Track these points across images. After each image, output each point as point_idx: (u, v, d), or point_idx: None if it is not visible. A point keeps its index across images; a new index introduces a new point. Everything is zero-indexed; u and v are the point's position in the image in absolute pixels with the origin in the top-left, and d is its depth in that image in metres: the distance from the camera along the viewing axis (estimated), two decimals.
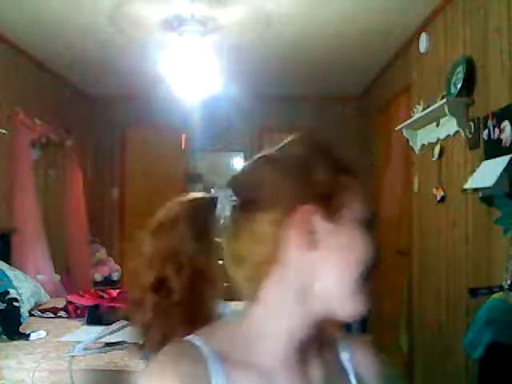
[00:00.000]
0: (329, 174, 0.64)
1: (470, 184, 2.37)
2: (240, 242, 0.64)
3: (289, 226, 0.61)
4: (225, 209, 0.67)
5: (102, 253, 5.01)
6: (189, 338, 0.61)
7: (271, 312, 0.63)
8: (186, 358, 0.59)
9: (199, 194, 0.70)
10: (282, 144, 0.70)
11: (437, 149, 3.02)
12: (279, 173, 0.64)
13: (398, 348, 3.81)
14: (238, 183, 0.67)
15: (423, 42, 3.26)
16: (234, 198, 0.66)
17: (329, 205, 0.62)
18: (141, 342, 0.67)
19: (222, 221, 0.68)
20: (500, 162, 2.14)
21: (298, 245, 0.61)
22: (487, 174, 2.19)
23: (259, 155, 0.69)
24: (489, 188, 2.10)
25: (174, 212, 0.67)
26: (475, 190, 2.38)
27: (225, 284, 0.68)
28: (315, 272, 0.62)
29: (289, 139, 0.71)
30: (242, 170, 0.69)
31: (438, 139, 3.03)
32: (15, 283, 2.86)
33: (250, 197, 0.64)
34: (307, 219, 0.61)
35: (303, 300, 0.62)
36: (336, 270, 0.62)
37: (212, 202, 0.68)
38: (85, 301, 2.79)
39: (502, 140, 2.19)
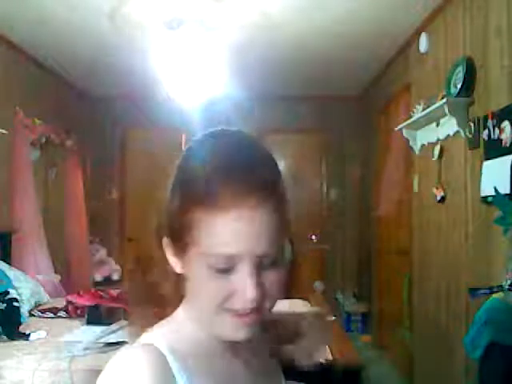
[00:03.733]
0: (181, 207, 0.61)
1: (486, 191, 2.31)
2: None
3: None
4: None
5: (102, 253, 5.01)
6: (147, 338, 0.64)
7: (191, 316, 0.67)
8: (150, 361, 0.59)
9: None
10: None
11: (437, 149, 3.02)
12: None
13: (400, 340, 3.81)
14: None
15: (423, 42, 3.26)
16: None
17: (176, 240, 0.63)
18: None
19: None
20: (502, 163, 2.14)
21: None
22: (497, 177, 2.17)
23: None
24: (505, 195, 2.06)
25: None
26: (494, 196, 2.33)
27: None
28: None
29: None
30: None
31: (438, 139, 3.03)
32: (15, 283, 2.86)
33: None
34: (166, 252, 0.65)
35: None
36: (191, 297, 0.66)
37: None
38: (85, 301, 2.79)
39: (502, 140, 2.19)
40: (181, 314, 0.68)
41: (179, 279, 0.66)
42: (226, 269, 0.59)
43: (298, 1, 2.99)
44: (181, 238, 0.61)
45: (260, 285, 0.59)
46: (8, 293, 2.62)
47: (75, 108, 4.96)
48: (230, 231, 0.57)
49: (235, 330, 0.62)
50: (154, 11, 3.08)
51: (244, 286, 0.59)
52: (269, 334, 0.80)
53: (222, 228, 0.57)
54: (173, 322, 0.68)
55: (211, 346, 0.67)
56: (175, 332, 0.66)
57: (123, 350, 0.62)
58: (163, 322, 0.68)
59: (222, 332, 0.63)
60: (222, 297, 0.60)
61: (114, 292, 2.92)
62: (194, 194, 0.59)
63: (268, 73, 4.50)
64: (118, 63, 4.14)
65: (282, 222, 0.61)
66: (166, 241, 0.65)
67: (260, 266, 0.60)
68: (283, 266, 0.63)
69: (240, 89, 4.42)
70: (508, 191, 2.06)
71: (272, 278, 0.61)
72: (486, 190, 2.31)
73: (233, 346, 0.68)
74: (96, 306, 2.68)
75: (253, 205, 0.57)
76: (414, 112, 3.25)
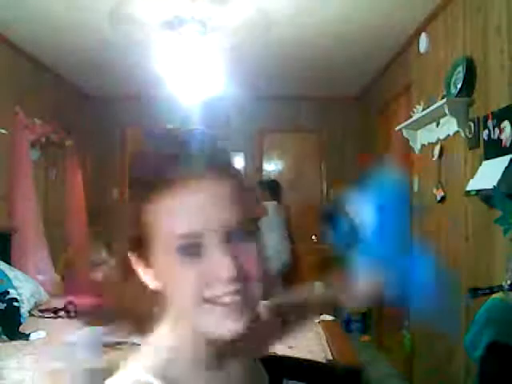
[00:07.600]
0: (138, 201, 0.61)
1: (472, 186, 2.36)
2: None
3: None
4: None
5: (102, 253, 5.01)
6: (137, 374, 0.58)
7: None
8: None
9: None
10: None
11: (437, 149, 3.02)
12: None
13: (400, 347, 3.80)
14: None
15: (423, 42, 3.26)
16: None
17: (141, 246, 0.62)
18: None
19: None
20: (500, 163, 2.14)
21: None
22: (488, 175, 2.19)
23: None
24: (490, 190, 2.10)
25: None
26: (478, 191, 2.38)
27: None
28: None
29: None
30: None
31: (438, 139, 3.03)
32: (15, 283, 2.86)
33: None
34: None
35: None
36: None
37: None
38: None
39: (502, 140, 2.19)
40: (164, 330, 0.64)
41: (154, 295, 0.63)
42: (196, 251, 0.56)
43: (298, 0, 2.99)
44: (145, 239, 0.60)
45: (235, 259, 0.56)
46: (8, 293, 2.62)
47: (75, 108, 4.96)
48: (189, 207, 0.56)
49: (222, 322, 0.57)
50: (154, 11, 3.08)
51: (218, 264, 0.56)
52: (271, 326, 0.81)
53: (181, 206, 0.57)
54: (156, 346, 0.63)
55: (199, 361, 0.63)
56: (163, 359, 0.61)
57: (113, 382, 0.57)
58: (146, 348, 0.63)
59: (207, 327, 0.58)
60: (199, 283, 0.56)
61: None
62: (147, 181, 0.59)
63: (268, 72, 4.49)
64: (118, 63, 4.13)
65: (241, 194, 0.60)
66: (133, 258, 0.63)
67: (230, 241, 0.57)
68: (257, 241, 0.61)
69: (240, 88, 4.42)
70: (492, 187, 2.08)
71: (246, 252, 0.58)
72: (473, 184, 2.35)
73: (220, 357, 0.65)
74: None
75: (208, 178, 0.58)
76: (414, 112, 3.25)
